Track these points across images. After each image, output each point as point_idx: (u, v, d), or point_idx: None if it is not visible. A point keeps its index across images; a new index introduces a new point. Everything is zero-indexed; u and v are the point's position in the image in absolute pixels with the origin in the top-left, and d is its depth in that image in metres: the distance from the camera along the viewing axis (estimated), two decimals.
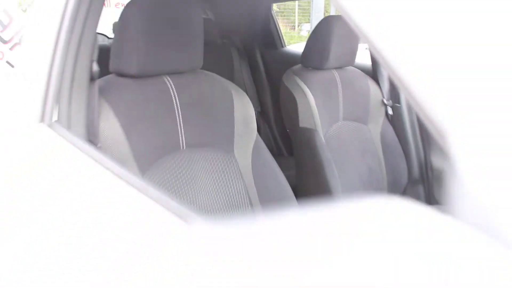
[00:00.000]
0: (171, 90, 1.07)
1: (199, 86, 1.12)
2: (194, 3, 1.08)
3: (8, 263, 0.69)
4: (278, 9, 10.47)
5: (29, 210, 0.71)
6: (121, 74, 1.03)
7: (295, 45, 3.43)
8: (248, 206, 1.13)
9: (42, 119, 0.79)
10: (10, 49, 2.65)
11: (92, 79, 0.92)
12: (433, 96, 0.35)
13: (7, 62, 2.55)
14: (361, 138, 1.68)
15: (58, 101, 0.82)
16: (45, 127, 0.79)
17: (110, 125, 0.95)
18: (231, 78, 2.27)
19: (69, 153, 0.71)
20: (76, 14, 0.82)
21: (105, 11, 1.00)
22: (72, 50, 0.82)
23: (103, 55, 1.06)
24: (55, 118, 0.82)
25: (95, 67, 0.93)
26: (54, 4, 0.85)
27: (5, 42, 2.71)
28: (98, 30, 0.98)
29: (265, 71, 2.40)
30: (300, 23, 11.40)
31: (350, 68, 1.73)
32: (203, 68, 1.16)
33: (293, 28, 11.54)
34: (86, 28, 0.84)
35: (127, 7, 0.98)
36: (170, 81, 1.07)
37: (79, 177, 0.68)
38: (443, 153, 0.34)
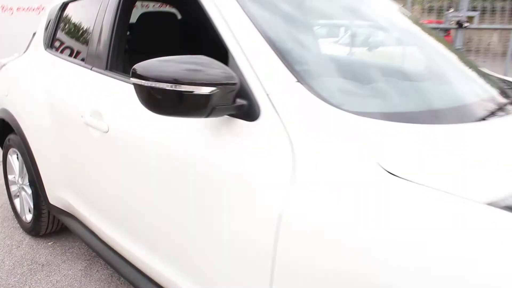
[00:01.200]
0: None
1: None
2: (172, 15, 2.04)
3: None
4: None
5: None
6: (135, 51, 1.97)
7: None
8: None
9: (106, 68, 1.70)
10: None
11: (125, 52, 1.85)
12: None
13: None
14: None
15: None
16: (107, 71, 1.70)
17: None
18: None
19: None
20: (121, 11, 1.71)
21: None
22: (119, 33, 1.72)
23: None
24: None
25: (126, 46, 1.86)
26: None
27: None
28: None
29: None
30: None
31: None
32: None
33: None
34: (125, 20, 1.74)
35: (141, 16, 1.92)
36: None
37: None
38: None
